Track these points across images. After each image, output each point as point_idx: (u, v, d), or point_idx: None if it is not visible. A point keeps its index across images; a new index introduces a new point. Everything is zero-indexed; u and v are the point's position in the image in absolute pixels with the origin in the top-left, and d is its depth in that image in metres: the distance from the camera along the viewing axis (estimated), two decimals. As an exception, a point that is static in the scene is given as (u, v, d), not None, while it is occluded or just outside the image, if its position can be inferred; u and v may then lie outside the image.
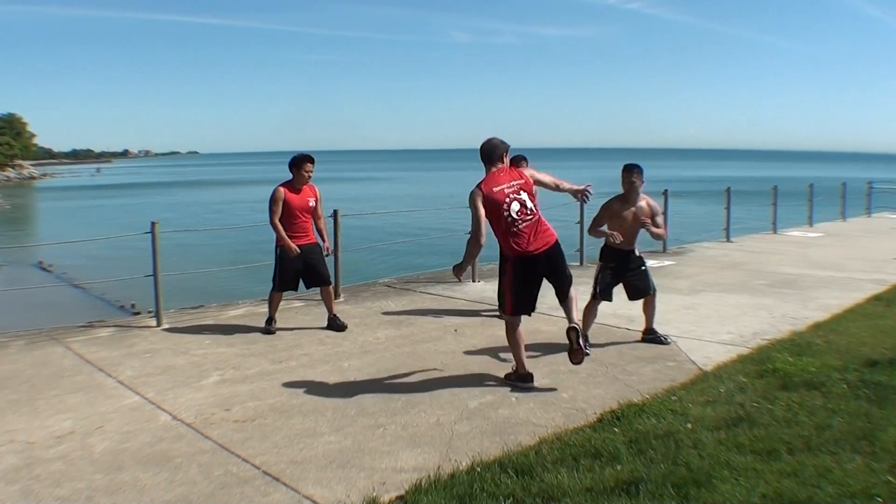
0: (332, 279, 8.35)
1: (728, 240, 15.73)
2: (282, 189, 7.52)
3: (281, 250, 7.55)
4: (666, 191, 14.58)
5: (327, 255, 8.03)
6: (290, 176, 7.62)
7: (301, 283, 7.83)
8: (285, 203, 7.50)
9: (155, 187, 73.41)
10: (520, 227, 5.64)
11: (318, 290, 8.03)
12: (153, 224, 8.00)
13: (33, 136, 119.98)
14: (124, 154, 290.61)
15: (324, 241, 7.94)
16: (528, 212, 5.69)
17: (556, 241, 5.78)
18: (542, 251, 5.68)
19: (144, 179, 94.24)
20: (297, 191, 7.58)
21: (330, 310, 7.90)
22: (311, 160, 7.64)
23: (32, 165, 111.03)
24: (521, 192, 5.71)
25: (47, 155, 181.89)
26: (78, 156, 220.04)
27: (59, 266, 20.33)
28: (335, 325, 7.79)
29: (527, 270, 5.73)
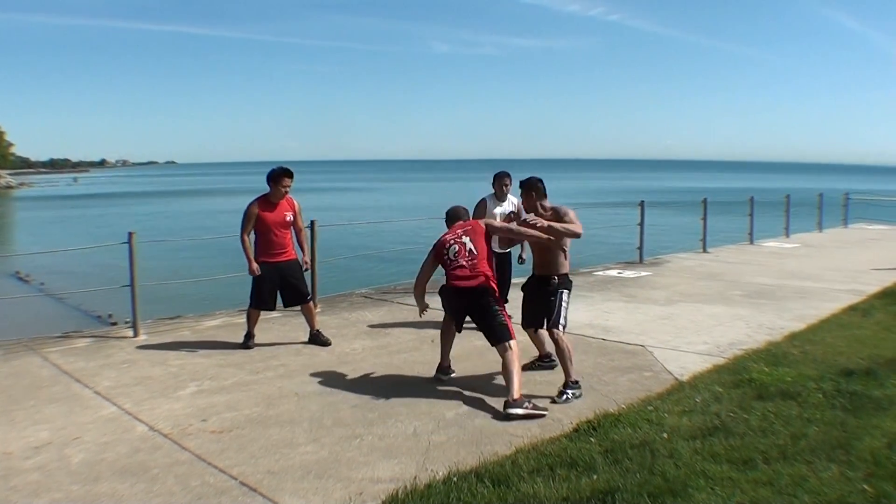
0: (310, 291, 8.23)
1: (705, 250, 15.84)
2: (255, 206, 7.30)
3: (258, 267, 7.34)
4: (642, 202, 14.68)
5: (305, 271, 7.83)
6: (267, 188, 7.43)
7: (280, 301, 7.64)
8: (260, 219, 7.29)
9: (133, 197, 72.76)
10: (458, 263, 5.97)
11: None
12: (130, 234, 7.95)
13: (11, 145, 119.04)
14: (101, 163, 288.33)
15: (304, 254, 7.76)
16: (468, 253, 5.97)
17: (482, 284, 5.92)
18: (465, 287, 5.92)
19: (122, 189, 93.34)
20: (273, 206, 7.36)
21: (312, 326, 7.72)
22: (290, 174, 7.43)
23: (9, 175, 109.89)
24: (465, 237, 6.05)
25: (24, 164, 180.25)
26: (55, 165, 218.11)
27: (37, 276, 20.11)
28: (319, 340, 7.62)
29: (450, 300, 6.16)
